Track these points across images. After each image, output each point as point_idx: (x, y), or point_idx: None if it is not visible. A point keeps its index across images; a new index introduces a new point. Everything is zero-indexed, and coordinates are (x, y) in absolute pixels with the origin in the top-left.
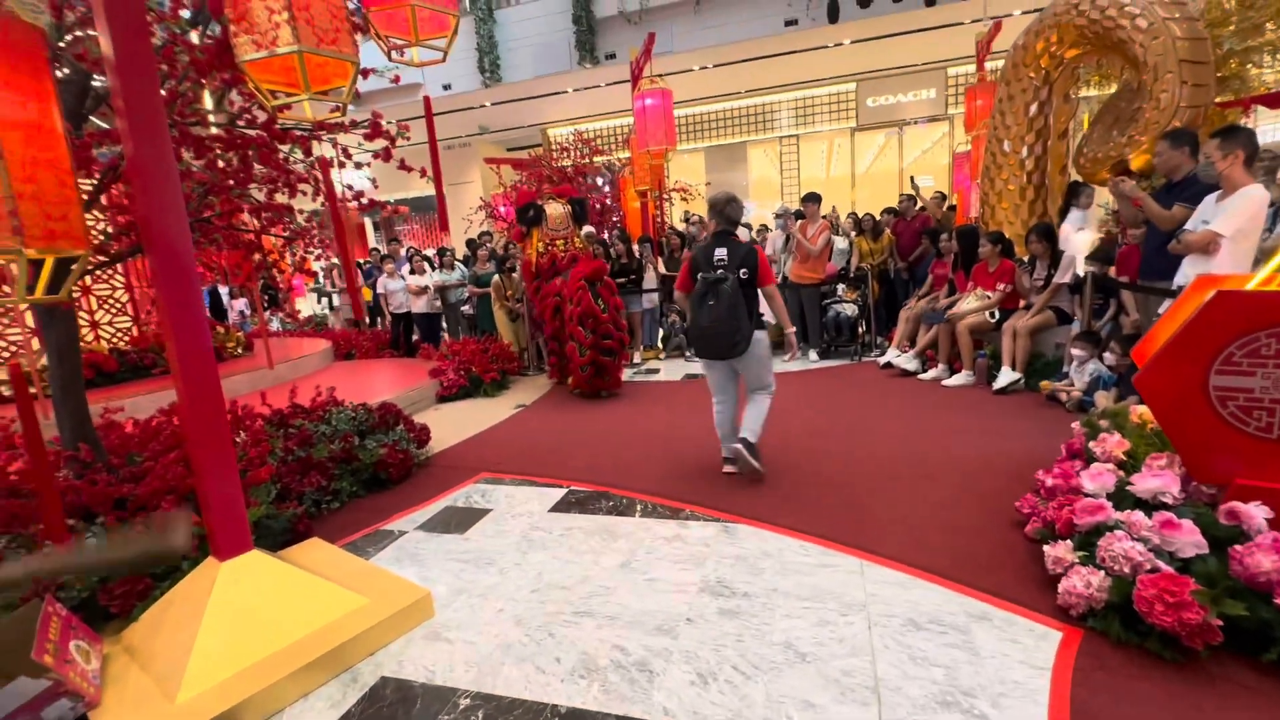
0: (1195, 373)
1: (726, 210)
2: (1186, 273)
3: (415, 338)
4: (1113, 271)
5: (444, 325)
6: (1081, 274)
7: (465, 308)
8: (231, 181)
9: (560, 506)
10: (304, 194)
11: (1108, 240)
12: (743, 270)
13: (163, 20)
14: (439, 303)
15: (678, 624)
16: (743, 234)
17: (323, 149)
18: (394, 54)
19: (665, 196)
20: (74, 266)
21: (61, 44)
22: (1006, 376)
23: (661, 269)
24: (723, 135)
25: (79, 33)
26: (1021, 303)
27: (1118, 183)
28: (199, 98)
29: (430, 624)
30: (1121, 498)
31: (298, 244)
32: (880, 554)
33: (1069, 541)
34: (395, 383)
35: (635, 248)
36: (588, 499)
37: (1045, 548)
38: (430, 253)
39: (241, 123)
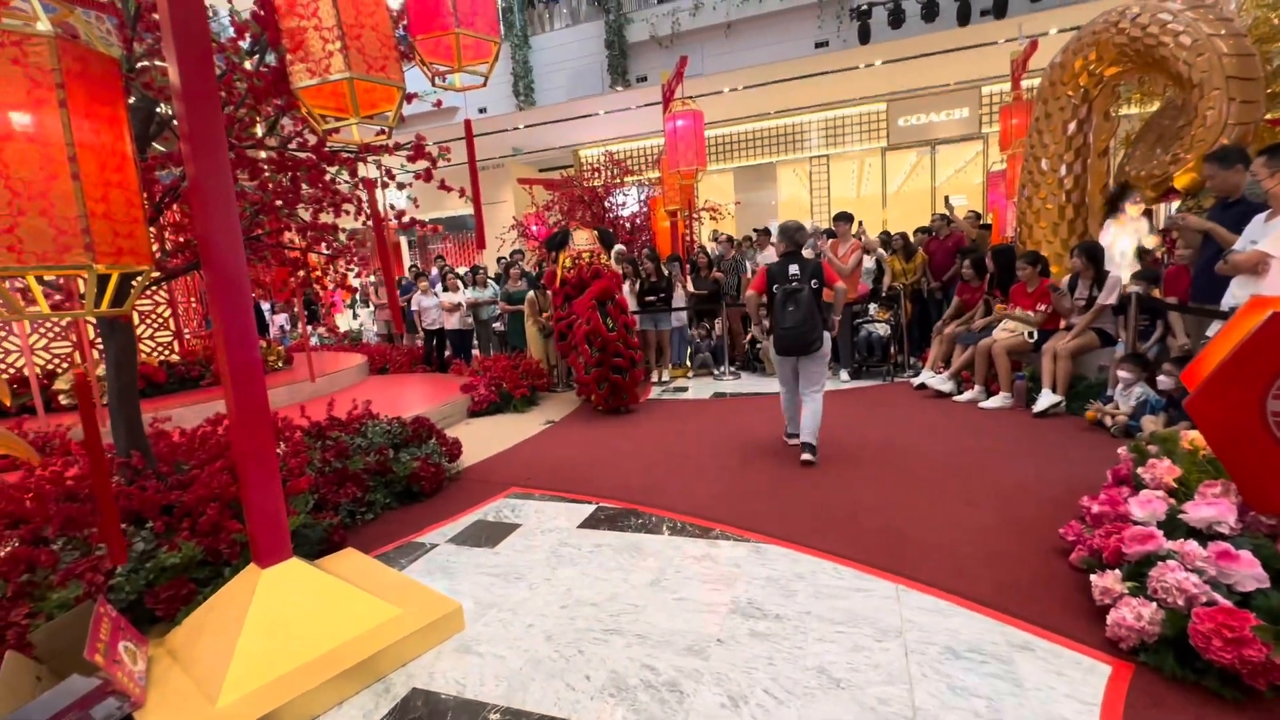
0: (1251, 397)
1: (795, 236)
2: (1236, 294)
3: (447, 353)
4: (1157, 292)
5: (475, 341)
6: (1123, 290)
7: (497, 324)
8: (280, 201)
9: (589, 523)
10: (346, 213)
11: (1153, 261)
12: (814, 280)
13: (223, 51)
14: (471, 319)
15: (708, 645)
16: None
17: (367, 170)
18: (437, 79)
19: (695, 216)
20: (136, 281)
21: (131, 73)
22: (1047, 399)
23: (690, 287)
24: (752, 155)
25: (146, 63)
26: (1062, 323)
27: (1183, 218)
28: (254, 122)
29: (461, 637)
30: (1173, 526)
31: (339, 261)
32: (917, 579)
33: (1117, 571)
34: (428, 397)
35: (664, 266)
36: (617, 515)
37: (1092, 577)
38: (463, 270)
39: (293, 145)
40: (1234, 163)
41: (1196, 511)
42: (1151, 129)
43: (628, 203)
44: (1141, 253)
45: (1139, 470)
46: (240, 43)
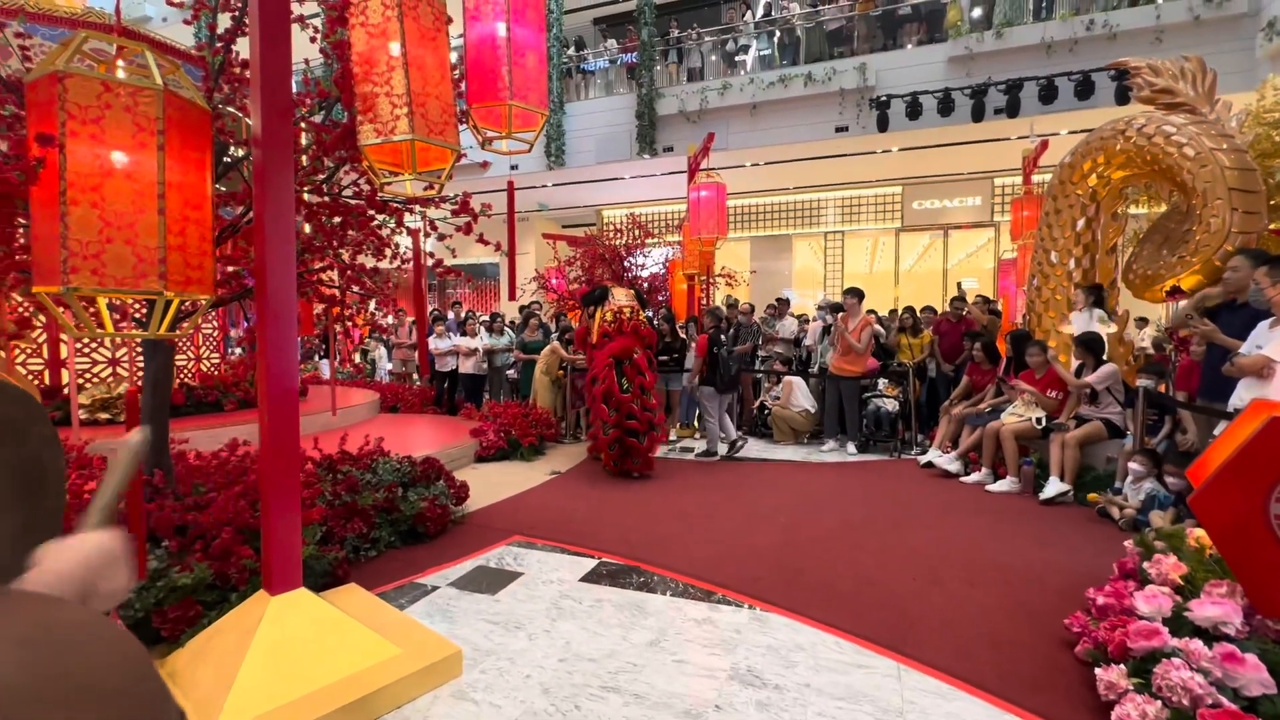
0: (1254, 500)
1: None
2: (1242, 395)
3: (458, 397)
4: (1165, 387)
5: (487, 387)
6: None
7: (510, 372)
8: (324, 243)
9: (591, 577)
10: (383, 257)
11: (1161, 358)
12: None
13: (298, 106)
14: (486, 365)
15: (706, 710)
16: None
17: (412, 220)
18: (487, 144)
19: (711, 281)
20: (184, 306)
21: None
22: (1055, 487)
23: None
24: (769, 227)
25: (219, 108)
26: (1063, 413)
27: (1196, 324)
28: (317, 170)
29: (457, 683)
30: (1179, 624)
31: (371, 302)
32: (919, 659)
33: (1123, 666)
34: (437, 439)
35: (678, 327)
36: (619, 572)
37: (1097, 671)
38: (484, 317)
39: (349, 193)
40: (1259, 265)
41: (1202, 610)
42: (1158, 230)
43: (647, 264)
44: (1158, 346)
45: (1145, 565)
46: (308, 100)
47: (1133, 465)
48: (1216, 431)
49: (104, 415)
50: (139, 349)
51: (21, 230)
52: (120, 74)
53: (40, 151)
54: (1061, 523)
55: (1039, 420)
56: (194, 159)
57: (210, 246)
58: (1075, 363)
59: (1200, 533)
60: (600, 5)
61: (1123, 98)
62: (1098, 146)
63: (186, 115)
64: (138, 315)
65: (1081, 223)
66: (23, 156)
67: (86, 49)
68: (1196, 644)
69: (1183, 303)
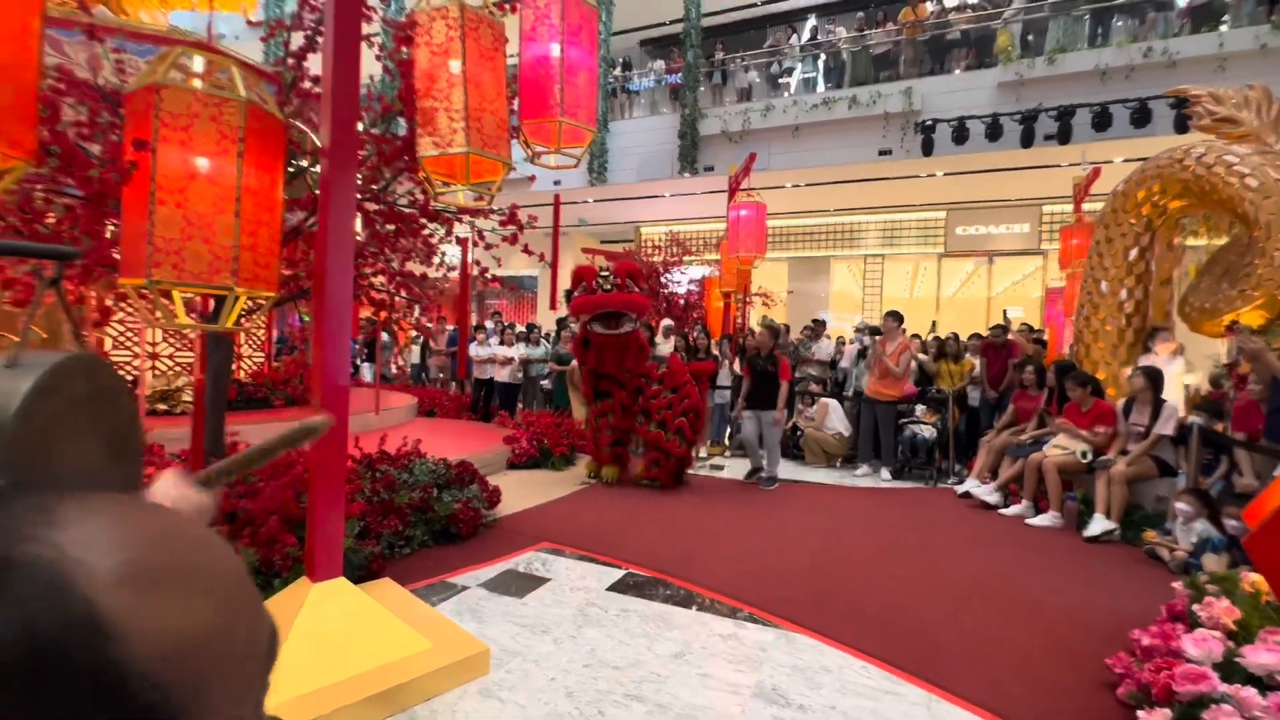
0: None
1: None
2: None
3: (494, 404)
4: (1221, 426)
5: (521, 396)
6: (1181, 421)
7: (545, 382)
8: (377, 249)
9: (618, 587)
10: (430, 265)
11: (1217, 394)
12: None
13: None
14: (521, 375)
15: None
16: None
17: (461, 229)
18: (536, 159)
19: (748, 301)
20: (245, 302)
21: None
22: (1100, 525)
23: (736, 368)
24: (808, 248)
25: (288, 121)
26: (1113, 449)
27: (1253, 349)
28: (376, 179)
29: (484, 680)
30: (1230, 670)
31: (417, 307)
32: (951, 690)
33: (1167, 710)
34: (471, 444)
35: (715, 345)
36: (645, 584)
37: (1140, 713)
38: (520, 328)
39: (404, 201)
40: None
41: (1256, 657)
42: (1218, 262)
43: (683, 281)
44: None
45: (1194, 607)
46: (366, 114)
47: (1179, 505)
48: (1277, 472)
49: (162, 406)
50: (185, 344)
51: (107, 227)
52: (196, 84)
53: (135, 155)
54: (1106, 562)
55: (1085, 454)
56: (269, 166)
57: (278, 248)
58: (1124, 398)
59: (1256, 577)
60: (647, 27)
61: (1181, 126)
62: (1154, 175)
63: (265, 126)
64: (202, 310)
65: (1134, 252)
66: (118, 160)
67: (178, 64)
68: (1250, 692)
69: (1256, 345)
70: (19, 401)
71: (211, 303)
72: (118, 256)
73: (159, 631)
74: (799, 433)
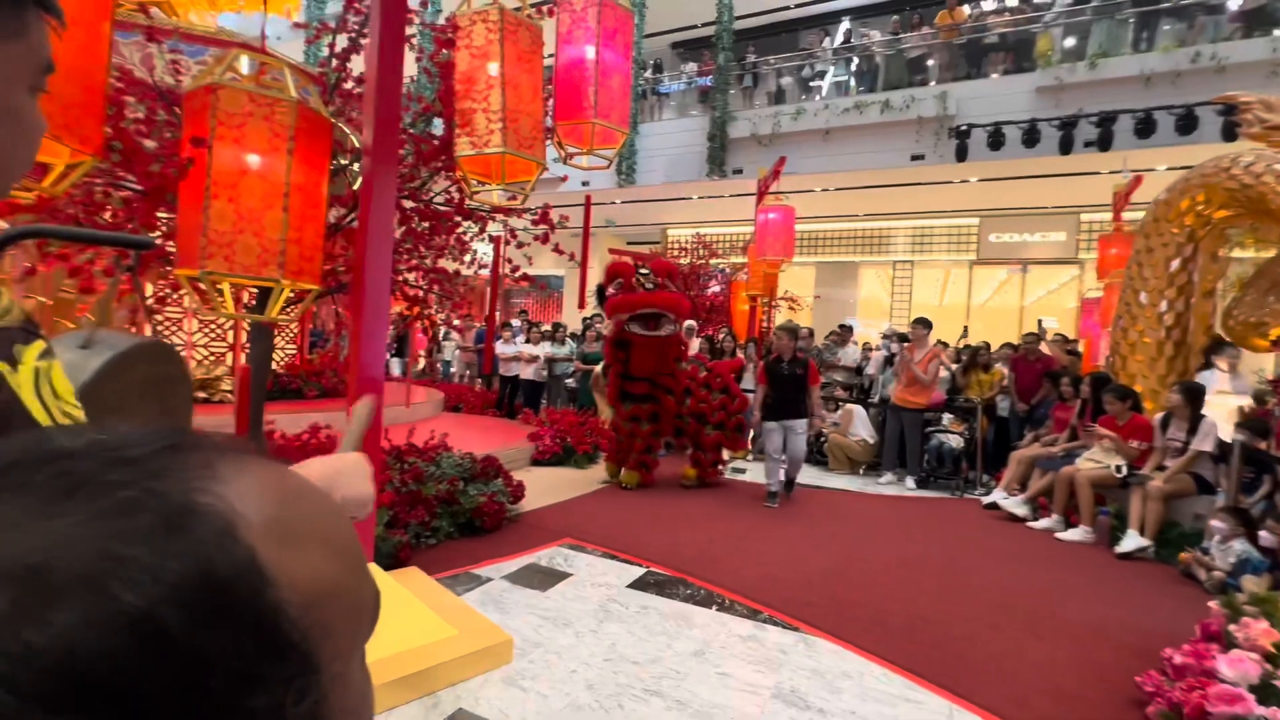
0: None
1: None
2: None
3: (518, 401)
4: (1265, 445)
5: (546, 394)
6: (1228, 440)
7: (569, 380)
8: (412, 245)
9: (639, 584)
10: (464, 262)
11: (1262, 411)
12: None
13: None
14: (546, 373)
15: None
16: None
17: (494, 228)
18: (568, 159)
19: (774, 304)
20: (287, 295)
21: None
22: (1133, 541)
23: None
24: (836, 253)
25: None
26: (1148, 464)
27: None
28: (414, 178)
29: (507, 669)
30: (1266, 692)
31: (448, 304)
32: (974, 702)
33: None
34: (495, 439)
35: (738, 347)
36: (666, 582)
37: None
38: (545, 327)
39: (440, 199)
40: None
41: None
42: (1265, 275)
43: (710, 284)
44: (1259, 399)
45: (1231, 628)
46: (405, 115)
47: (1215, 523)
48: None
49: (201, 394)
50: (220, 335)
51: (161, 220)
52: (250, 85)
53: (192, 152)
54: (1138, 579)
55: (1119, 468)
56: (316, 164)
57: (321, 243)
58: (1162, 412)
59: None
60: (679, 30)
61: (1229, 134)
62: (1198, 184)
63: (313, 125)
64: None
65: (1176, 263)
66: (175, 156)
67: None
68: None
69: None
70: (88, 376)
71: (245, 295)
72: (168, 248)
73: (304, 580)
74: (823, 438)
